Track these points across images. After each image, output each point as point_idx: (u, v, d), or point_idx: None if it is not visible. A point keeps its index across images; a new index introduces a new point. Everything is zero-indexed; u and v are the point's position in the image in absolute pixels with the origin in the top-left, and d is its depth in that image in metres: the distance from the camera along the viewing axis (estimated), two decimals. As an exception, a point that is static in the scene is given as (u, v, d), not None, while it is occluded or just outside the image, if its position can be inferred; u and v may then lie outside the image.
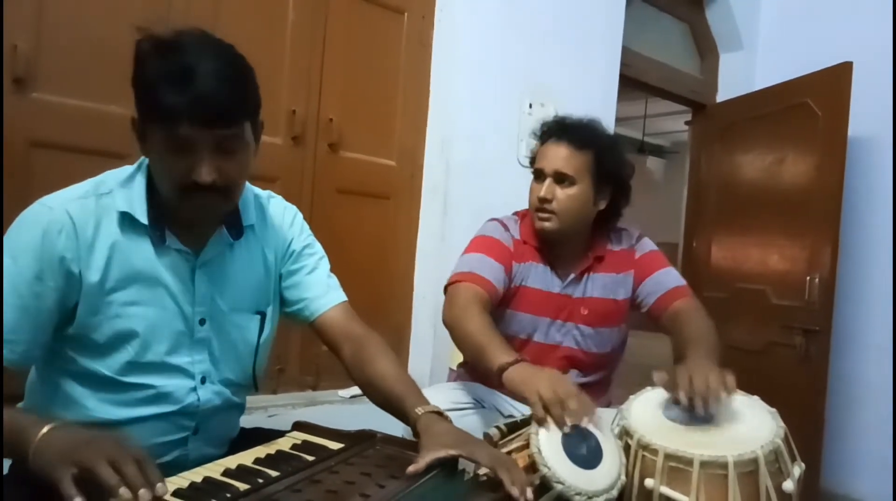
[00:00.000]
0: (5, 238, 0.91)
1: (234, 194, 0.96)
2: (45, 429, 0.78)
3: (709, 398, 1.06)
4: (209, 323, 1.02)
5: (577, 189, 1.45)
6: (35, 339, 0.91)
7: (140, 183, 0.96)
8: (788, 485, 0.99)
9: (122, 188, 0.95)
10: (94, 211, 0.93)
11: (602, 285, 1.53)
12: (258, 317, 1.09)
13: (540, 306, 1.51)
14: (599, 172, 1.46)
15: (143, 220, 0.94)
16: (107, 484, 0.69)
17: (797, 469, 1.03)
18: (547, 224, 1.47)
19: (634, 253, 1.55)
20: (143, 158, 0.98)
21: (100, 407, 0.95)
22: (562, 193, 1.45)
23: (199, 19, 1.79)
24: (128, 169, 0.99)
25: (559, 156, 1.45)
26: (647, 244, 1.57)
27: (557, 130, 1.49)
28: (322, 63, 2.09)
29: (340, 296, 1.17)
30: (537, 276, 1.52)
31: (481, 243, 1.50)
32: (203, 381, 1.02)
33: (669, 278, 1.51)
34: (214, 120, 0.87)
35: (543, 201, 1.45)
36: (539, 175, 1.49)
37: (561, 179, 1.45)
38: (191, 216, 0.96)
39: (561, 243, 1.52)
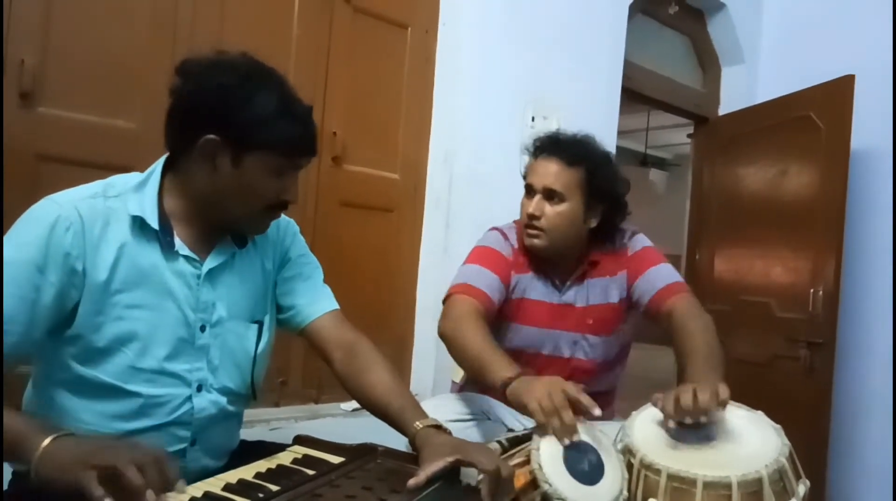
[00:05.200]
0: (11, 229, 0.92)
1: None
2: (48, 439, 0.77)
3: (697, 415, 1.04)
4: (209, 330, 1.03)
5: (567, 206, 1.43)
6: (28, 332, 0.89)
7: (152, 189, 0.99)
8: (793, 503, 0.99)
9: (134, 193, 0.98)
10: (102, 211, 0.95)
11: (599, 290, 1.51)
12: (255, 326, 1.10)
13: (543, 319, 1.50)
14: (591, 189, 1.43)
15: (155, 225, 0.97)
16: (133, 485, 0.70)
17: (802, 488, 1.02)
18: (536, 241, 1.45)
19: (627, 251, 1.52)
20: (154, 165, 1.02)
21: (96, 420, 0.95)
22: (551, 209, 1.43)
23: (204, 34, 1.81)
24: (137, 175, 1.01)
25: (549, 172, 1.43)
26: (640, 241, 1.54)
27: (549, 145, 1.47)
28: (326, 77, 2.10)
29: (332, 304, 1.18)
30: (537, 288, 1.50)
31: (480, 254, 1.49)
32: (199, 389, 1.02)
33: (662, 274, 1.48)
34: (314, 153, 1.03)
35: (532, 217, 1.44)
36: (529, 191, 1.47)
37: (550, 195, 1.43)
38: (259, 231, 1.07)
39: (552, 258, 1.50)
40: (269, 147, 0.96)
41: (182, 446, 1.02)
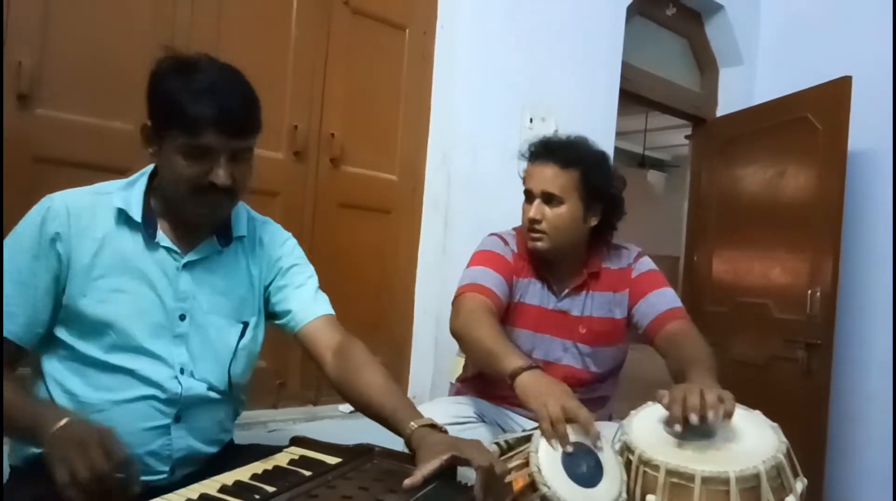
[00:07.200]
0: (17, 225, 1.03)
1: (240, 195, 1.08)
2: (61, 423, 0.85)
3: (704, 414, 1.05)
4: (189, 320, 1.07)
5: (566, 208, 1.46)
6: (34, 315, 1.00)
7: (140, 186, 1.07)
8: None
9: (122, 191, 1.07)
10: (90, 204, 1.04)
11: (601, 303, 1.53)
12: (241, 326, 1.13)
13: (538, 323, 1.51)
14: (587, 189, 1.46)
15: (137, 218, 1.05)
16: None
17: (799, 485, 1.03)
18: (539, 244, 1.48)
19: (631, 272, 1.54)
20: (145, 168, 1.08)
21: (86, 392, 1.01)
22: (551, 212, 1.46)
23: (202, 36, 1.81)
24: (131, 177, 1.10)
25: (546, 176, 1.46)
26: (645, 264, 1.56)
27: (543, 150, 1.51)
28: (324, 78, 2.10)
29: (325, 309, 1.20)
30: (534, 292, 1.53)
31: (483, 257, 1.51)
32: (182, 372, 1.06)
33: (665, 299, 1.50)
34: (236, 132, 1.00)
35: (533, 221, 1.47)
36: (529, 196, 1.51)
37: (549, 198, 1.46)
38: (199, 214, 1.06)
39: (556, 260, 1.52)
40: (177, 126, 0.97)
41: (166, 421, 1.05)
